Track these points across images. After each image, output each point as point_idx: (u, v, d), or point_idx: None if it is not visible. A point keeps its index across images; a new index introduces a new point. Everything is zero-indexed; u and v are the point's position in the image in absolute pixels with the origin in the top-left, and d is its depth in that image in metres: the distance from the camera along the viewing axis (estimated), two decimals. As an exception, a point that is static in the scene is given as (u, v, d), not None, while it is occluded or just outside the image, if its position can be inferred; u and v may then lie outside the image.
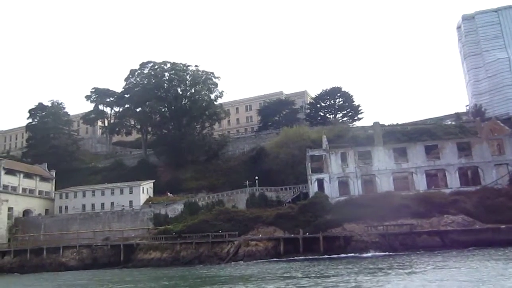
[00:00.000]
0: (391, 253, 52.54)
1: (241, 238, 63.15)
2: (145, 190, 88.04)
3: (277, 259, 56.89)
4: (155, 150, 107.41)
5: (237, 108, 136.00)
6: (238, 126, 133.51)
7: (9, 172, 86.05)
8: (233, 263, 58.29)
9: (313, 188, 66.67)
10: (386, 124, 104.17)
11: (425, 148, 66.75)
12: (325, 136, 73.00)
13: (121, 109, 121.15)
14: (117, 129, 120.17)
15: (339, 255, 54.90)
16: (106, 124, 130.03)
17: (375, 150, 67.28)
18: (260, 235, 62.80)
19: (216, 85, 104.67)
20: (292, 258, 56.62)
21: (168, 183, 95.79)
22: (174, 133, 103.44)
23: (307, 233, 59.24)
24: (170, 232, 69.15)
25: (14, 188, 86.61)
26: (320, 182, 67.04)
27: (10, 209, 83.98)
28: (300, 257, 57.10)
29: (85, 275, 57.18)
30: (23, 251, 74.71)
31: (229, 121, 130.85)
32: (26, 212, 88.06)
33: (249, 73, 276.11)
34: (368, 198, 62.67)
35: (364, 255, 52.25)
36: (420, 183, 64.47)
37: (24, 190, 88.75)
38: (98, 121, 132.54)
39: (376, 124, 71.81)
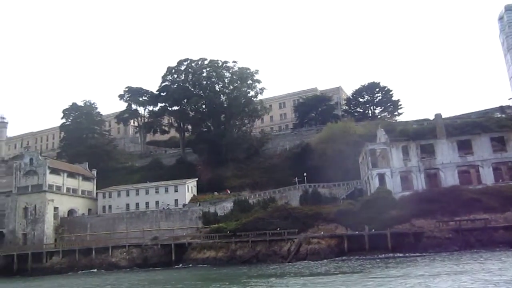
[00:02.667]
0: (469, 250, 50.14)
1: (301, 235, 60.85)
2: (189, 188, 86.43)
3: (346, 258, 54.68)
4: (195, 148, 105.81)
5: (270, 106, 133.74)
6: (272, 123, 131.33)
7: (54, 171, 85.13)
8: (297, 262, 56.23)
9: (374, 183, 64.14)
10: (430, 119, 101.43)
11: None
12: (382, 129, 70.38)
13: (155, 108, 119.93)
14: (153, 128, 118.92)
15: (410, 253, 52.75)
16: (139, 123, 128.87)
17: (438, 143, 64.52)
18: (322, 233, 60.54)
19: (258, 81, 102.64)
20: (359, 257, 54.52)
21: (210, 181, 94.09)
22: (214, 131, 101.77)
23: (373, 230, 56.91)
24: (224, 231, 67.26)
25: (58, 188, 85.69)
26: (381, 177, 64.44)
27: (55, 208, 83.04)
28: (368, 255, 54.98)
29: (149, 275, 55.89)
30: (72, 251, 73.64)
31: (262, 119, 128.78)
32: (70, 212, 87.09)
33: (280, 70, 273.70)
34: (434, 192, 60.03)
35: (442, 253, 49.83)
36: (487, 177, 61.59)
37: (68, 189, 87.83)
38: (131, 120, 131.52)
39: (438, 116, 68.99)
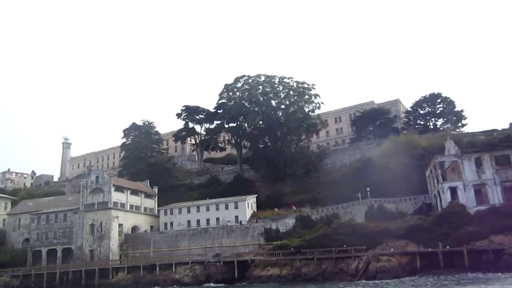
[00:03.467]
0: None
1: (370, 252, 58.62)
2: (249, 204, 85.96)
3: (419, 276, 52.03)
4: (252, 165, 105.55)
5: (325, 120, 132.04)
6: (328, 139, 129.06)
7: (118, 189, 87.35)
8: (367, 281, 53.99)
9: (445, 198, 60.98)
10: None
11: None
12: (451, 141, 67.16)
13: (212, 126, 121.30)
14: (210, 145, 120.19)
15: (490, 272, 49.42)
16: (196, 141, 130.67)
17: (516, 154, 60.60)
18: (392, 249, 57.99)
19: (315, 96, 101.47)
20: (434, 276, 51.68)
21: (268, 197, 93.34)
22: (271, 147, 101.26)
23: (447, 247, 53.83)
24: (287, 248, 66.03)
25: (122, 205, 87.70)
26: (453, 191, 61.20)
27: (120, 225, 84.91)
28: (443, 274, 52.02)
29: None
30: (136, 268, 74.49)
31: (318, 134, 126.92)
32: (133, 229, 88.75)
33: (334, 85, 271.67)
34: (514, 207, 56.19)
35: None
36: None
37: (131, 206, 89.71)
38: (188, 138, 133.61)
39: (513, 125, 65.04)
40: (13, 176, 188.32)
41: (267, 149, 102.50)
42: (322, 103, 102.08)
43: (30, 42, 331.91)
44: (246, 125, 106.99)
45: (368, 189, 76.06)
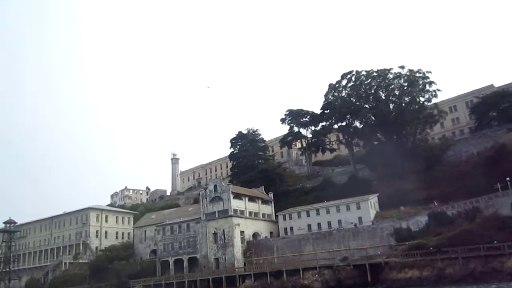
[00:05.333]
0: None
1: (528, 249, 51.66)
2: (372, 204, 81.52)
3: None
4: (367, 163, 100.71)
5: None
6: (444, 130, 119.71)
7: (236, 196, 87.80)
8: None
9: None
10: None
11: None
12: None
13: (318, 128, 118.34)
14: (320, 146, 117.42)
15: None
16: (303, 145, 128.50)
17: None
18: (557, 244, 50.61)
19: (431, 83, 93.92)
20: None
21: (390, 196, 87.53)
22: (386, 143, 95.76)
23: None
24: (424, 247, 60.74)
25: (241, 212, 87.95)
26: None
27: (242, 232, 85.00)
28: None
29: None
30: (263, 274, 73.62)
31: (432, 127, 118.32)
32: (254, 235, 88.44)
33: (444, 72, 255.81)
34: None
35: None
36: None
37: (250, 213, 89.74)
38: (294, 142, 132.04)
39: None
40: (131, 193, 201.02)
41: (382, 145, 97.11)
42: (438, 90, 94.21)
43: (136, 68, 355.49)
44: (356, 123, 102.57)
45: (508, 178, 68.17)
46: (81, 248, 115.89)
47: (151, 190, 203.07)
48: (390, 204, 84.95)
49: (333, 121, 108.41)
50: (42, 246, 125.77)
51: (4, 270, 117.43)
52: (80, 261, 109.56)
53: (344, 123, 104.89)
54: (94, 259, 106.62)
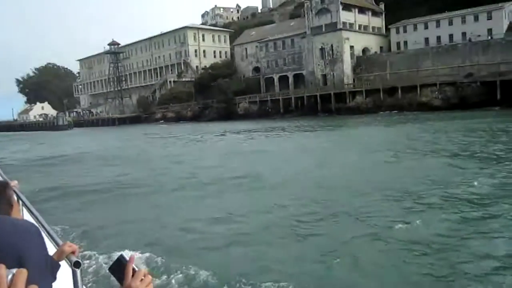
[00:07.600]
0: None
1: None
2: (506, 14, 70.24)
3: None
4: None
5: None
6: None
7: (345, 7, 79.43)
8: None
9: None
10: None
11: None
12: None
13: None
14: None
15: None
16: None
17: None
18: None
19: None
20: None
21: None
22: None
23: None
24: None
25: (350, 25, 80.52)
26: None
27: (351, 47, 79.24)
28: None
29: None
30: (375, 91, 70.27)
31: None
32: (363, 51, 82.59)
33: None
34: None
35: None
36: None
37: (359, 26, 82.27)
38: None
39: None
40: (221, 11, 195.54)
41: None
42: None
43: None
44: None
45: None
46: (182, 67, 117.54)
47: (242, 7, 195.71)
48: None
49: None
50: (146, 66, 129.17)
51: (116, 89, 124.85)
52: (184, 79, 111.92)
53: None
54: (198, 76, 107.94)
